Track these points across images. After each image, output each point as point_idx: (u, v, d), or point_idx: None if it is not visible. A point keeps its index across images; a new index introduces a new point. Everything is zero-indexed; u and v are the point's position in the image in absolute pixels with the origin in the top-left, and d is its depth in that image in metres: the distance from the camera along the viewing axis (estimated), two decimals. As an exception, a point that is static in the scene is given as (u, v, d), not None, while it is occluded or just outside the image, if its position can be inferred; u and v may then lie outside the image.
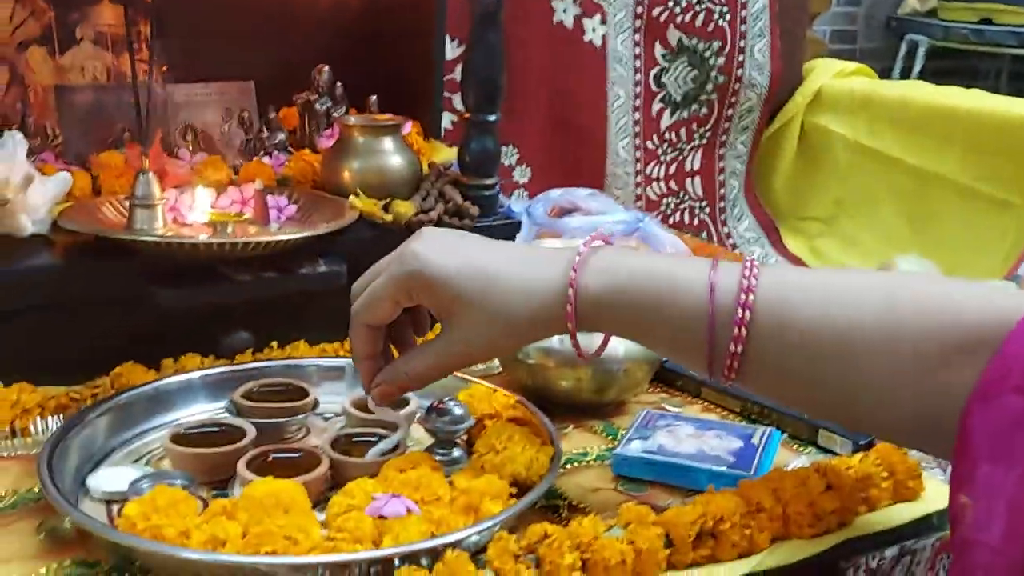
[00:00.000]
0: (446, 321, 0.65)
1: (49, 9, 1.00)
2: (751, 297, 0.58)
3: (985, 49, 2.10)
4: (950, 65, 2.03)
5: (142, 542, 0.57)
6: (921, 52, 2.09)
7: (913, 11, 2.22)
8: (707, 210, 1.57)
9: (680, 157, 1.53)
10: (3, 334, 0.80)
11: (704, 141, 1.55)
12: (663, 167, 1.52)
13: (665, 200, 1.52)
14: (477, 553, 0.59)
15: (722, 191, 1.59)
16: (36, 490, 0.67)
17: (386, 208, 0.96)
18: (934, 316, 0.55)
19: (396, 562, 0.57)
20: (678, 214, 1.52)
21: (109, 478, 0.68)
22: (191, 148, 1.04)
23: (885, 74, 1.92)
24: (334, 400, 0.81)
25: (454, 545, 0.58)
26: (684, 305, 0.60)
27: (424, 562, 0.57)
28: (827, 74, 1.64)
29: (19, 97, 0.98)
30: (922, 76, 2.06)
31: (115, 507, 0.64)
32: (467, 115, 1.02)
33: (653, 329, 0.62)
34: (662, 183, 1.53)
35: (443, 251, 0.64)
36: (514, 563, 0.57)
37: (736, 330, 0.58)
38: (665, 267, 0.61)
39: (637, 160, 1.49)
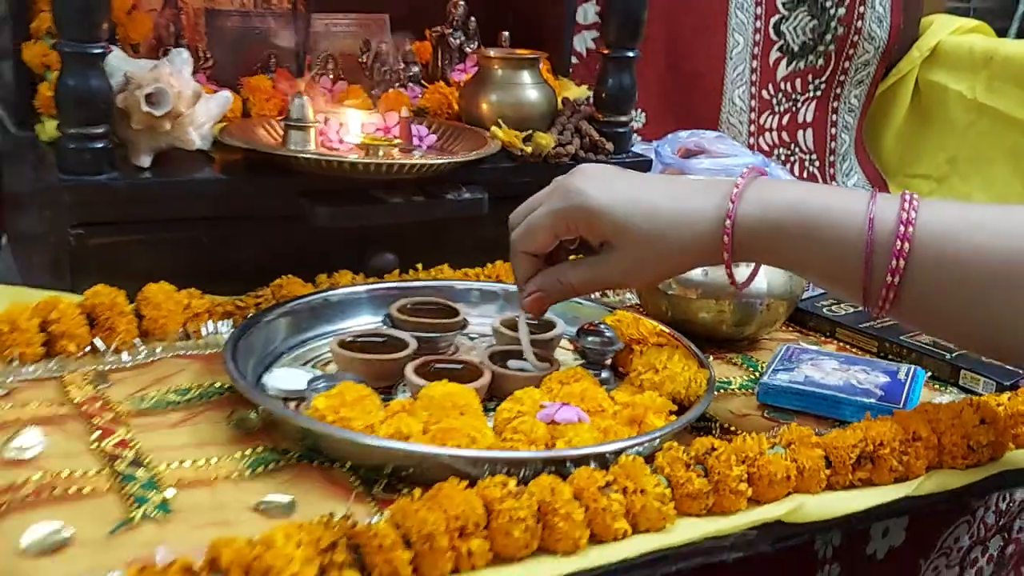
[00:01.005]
0: (604, 249, 0.68)
1: (205, -69, 1.03)
2: (910, 229, 0.58)
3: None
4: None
5: (335, 430, 0.60)
6: (1041, 12, 2.05)
7: (1034, -32, 2.16)
8: (816, 163, 1.56)
9: (794, 108, 1.52)
10: (173, 242, 0.84)
11: (819, 93, 1.54)
12: (776, 117, 1.51)
13: (776, 151, 1.51)
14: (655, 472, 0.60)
15: (832, 144, 1.57)
16: (218, 384, 0.70)
17: (526, 140, 0.97)
18: None
19: (568, 464, 0.59)
20: (788, 166, 1.51)
21: (284, 378, 0.71)
22: (332, 76, 1.06)
23: (1002, 33, 1.87)
24: (479, 321, 0.84)
25: (624, 451, 0.60)
26: (841, 236, 0.61)
27: (593, 466, 0.59)
28: (945, 30, 1.60)
29: (172, 18, 1.01)
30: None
31: (291, 404, 0.68)
32: (605, 51, 1.03)
33: (809, 259, 0.63)
34: (775, 133, 1.52)
35: (603, 186, 0.66)
36: (685, 471, 0.59)
37: (895, 261, 0.59)
38: (822, 198, 0.62)
39: (752, 109, 1.48)
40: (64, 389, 0.68)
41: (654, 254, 0.66)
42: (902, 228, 0.59)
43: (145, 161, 0.83)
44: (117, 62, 0.82)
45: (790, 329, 0.92)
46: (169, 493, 0.56)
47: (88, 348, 0.74)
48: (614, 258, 0.67)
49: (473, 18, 1.14)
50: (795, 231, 0.62)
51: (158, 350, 0.76)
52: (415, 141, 0.98)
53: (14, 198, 1.03)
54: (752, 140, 1.48)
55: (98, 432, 0.62)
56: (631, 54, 1.02)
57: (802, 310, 0.92)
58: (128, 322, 0.75)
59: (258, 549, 0.46)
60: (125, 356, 0.74)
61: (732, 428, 0.72)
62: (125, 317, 0.75)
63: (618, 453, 0.60)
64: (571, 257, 0.73)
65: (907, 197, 0.61)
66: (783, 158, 1.51)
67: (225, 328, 0.79)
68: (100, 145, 0.79)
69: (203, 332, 0.79)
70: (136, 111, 0.80)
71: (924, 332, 0.80)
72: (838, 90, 1.55)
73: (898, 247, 0.59)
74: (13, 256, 1.05)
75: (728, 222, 0.63)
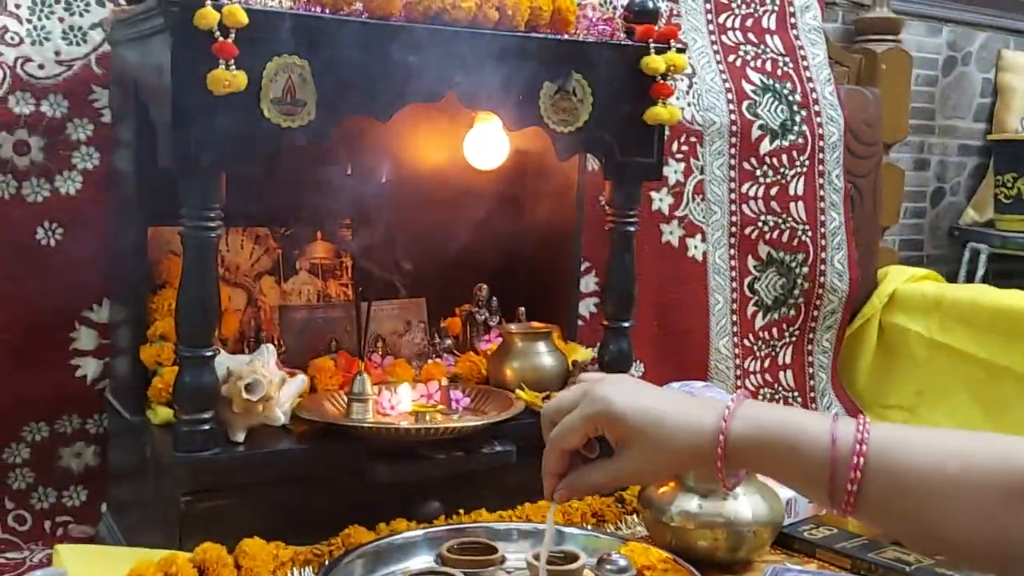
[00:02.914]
0: (620, 448, 0.83)
1: (277, 247, 1.28)
2: (864, 446, 0.74)
3: (1040, 255, 2.33)
4: (1010, 268, 2.24)
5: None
6: (983, 258, 2.32)
7: (973, 221, 2.46)
8: (799, 400, 1.76)
9: (773, 353, 1.74)
10: (261, 503, 1.02)
11: (794, 339, 1.76)
12: (759, 362, 1.73)
13: (761, 391, 1.72)
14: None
15: (811, 382, 1.78)
16: (310, 621, 0.86)
17: (545, 399, 1.18)
18: (999, 466, 0.70)
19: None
20: (774, 403, 1.71)
21: (364, 612, 0.87)
22: (381, 353, 1.28)
23: (952, 278, 2.13)
24: (514, 556, 1.00)
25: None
26: (811, 450, 0.76)
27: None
28: (900, 279, 1.86)
29: (253, 316, 1.25)
30: (985, 279, 2.28)
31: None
32: (605, 322, 1.25)
33: (785, 468, 0.78)
34: (758, 375, 1.73)
35: (624, 394, 0.82)
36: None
37: (852, 472, 0.73)
38: (795, 419, 0.78)
39: (736, 356, 1.70)
40: (186, 629, 0.84)
41: (660, 456, 0.81)
42: (857, 446, 0.74)
43: (240, 437, 1.03)
44: (220, 359, 1.04)
45: (777, 551, 1.08)
46: None
47: (198, 595, 0.90)
48: (628, 458, 0.82)
49: (495, 297, 1.38)
50: (775, 447, 0.77)
51: (255, 595, 0.92)
52: (453, 405, 1.18)
53: (119, 472, 1.22)
54: (739, 383, 1.68)
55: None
56: (626, 324, 1.25)
57: (787, 534, 1.08)
58: (231, 573, 0.92)
59: None
60: (229, 600, 0.90)
61: (730, 639, 0.86)
62: (228, 568, 0.92)
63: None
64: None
65: (861, 420, 0.76)
66: (768, 397, 1.72)
67: (307, 574, 0.96)
68: (207, 428, 0.99)
69: (289, 578, 0.95)
70: (237, 398, 1.01)
71: (882, 531, 0.95)
72: (811, 335, 1.78)
73: (855, 462, 0.73)
74: (114, 521, 1.22)
75: (722, 437, 0.78)
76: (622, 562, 0.93)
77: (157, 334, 1.11)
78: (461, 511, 1.09)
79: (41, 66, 1.24)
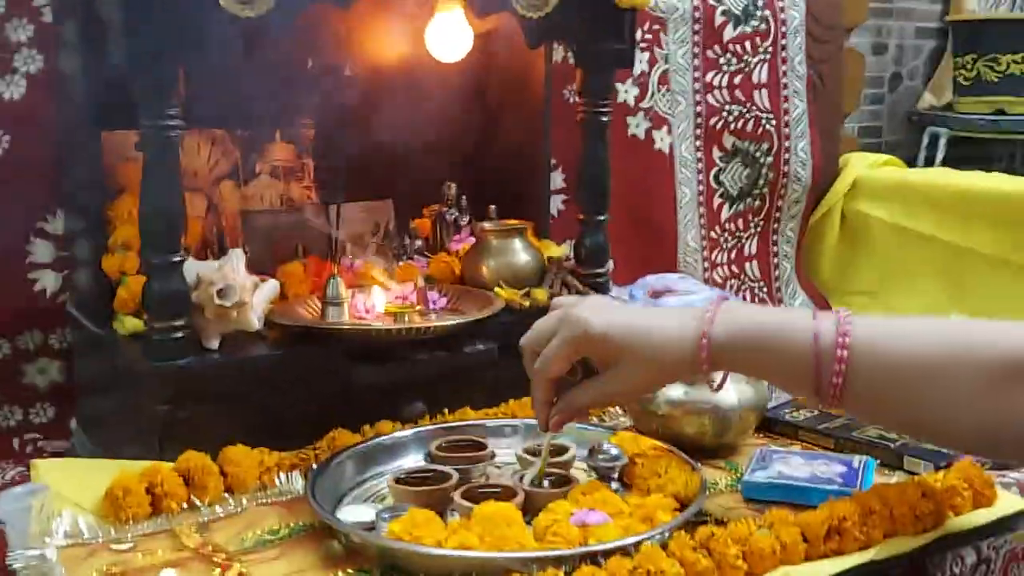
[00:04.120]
0: (605, 368, 0.83)
1: (236, 149, 1.23)
2: (847, 339, 0.74)
3: (999, 136, 2.34)
4: (968, 152, 2.26)
5: (410, 546, 0.75)
6: (942, 143, 2.33)
7: (931, 106, 2.46)
8: (765, 290, 1.77)
9: (739, 244, 1.74)
10: (241, 410, 0.99)
11: (759, 229, 1.76)
12: (725, 253, 1.73)
13: (729, 282, 1.72)
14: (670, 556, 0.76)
15: (776, 272, 1.79)
16: (301, 523, 0.85)
17: (524, 296, 1.16)
18: (983, 351, 0.71)
19: (600, 557, 0.75)
20: (740, 294, 1.72)
21: (355, 512, 0.86)
22: (350, 256, 1.25)
23: (911, 163, 2.14)
24: (503, 452, 1.00)
25: (643, 542, 0.76)
26: (794, 348, 0.76)
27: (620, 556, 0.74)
28: (861, 166, 1.85)
29: (214, 222, 1.20)
30: (944, 164, 2.29)
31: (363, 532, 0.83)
32: (581, 216, 1.23)
33: (770, 367, 0.79)
34: (725, 267, 1.73)
35: (601, 314, 0.82)
36: (693, 553, 0.75)
37: (837, 366, 0.74)
38: (776, 317, 0.79)
39: (704, 248, 1.69)
40: (177, 539, 0.83)
41: (648, 370, 0.81)
42: (840, 339, 0.74)
43: (214, 344, 1.00)
44: (189, 266, 1.00)
45: (761, 436, 1.09)
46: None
47: (186, 505, 0.88)
48: (615, 376, 0.82)
49: (464, 196, 1.34)
50: (757, 347, 0.78)
51: (244, 501, 0.90)
52: (430, 305, 1.16)
53: (88, 386, 1.19)
54: (707, 275, 1.69)
55: (218, 569, 0.77)
56: (602, 217, 1.23)
57: (769, 418, 1.09)
58: (216, 480, 0.90)
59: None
60: (218, 508, 0.89)
61: (724, 519, 0.87)
62: (214, 476, 0.90)
63: (639, 544, 0.76)
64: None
65: (842, 313, 0.77)
66: (734, 288, 1.72)
67: (295, 477, 0.94)
68: (181, 336, 0.96)
69: (277, 483, 0.94)
70: (209, 304, 0.97)
71: (869, 422, 0.97)
72: (775, 225, 1.78)
73: (839, 355, 0.74)
74: (87, 436, 1.19)
75: (704, 341, 0.78)
76: (614, 451, 0.93)
77: (118, 243, 1.07)
78: (446, 411, 1.09)
79: (-30, -38, 1.16)
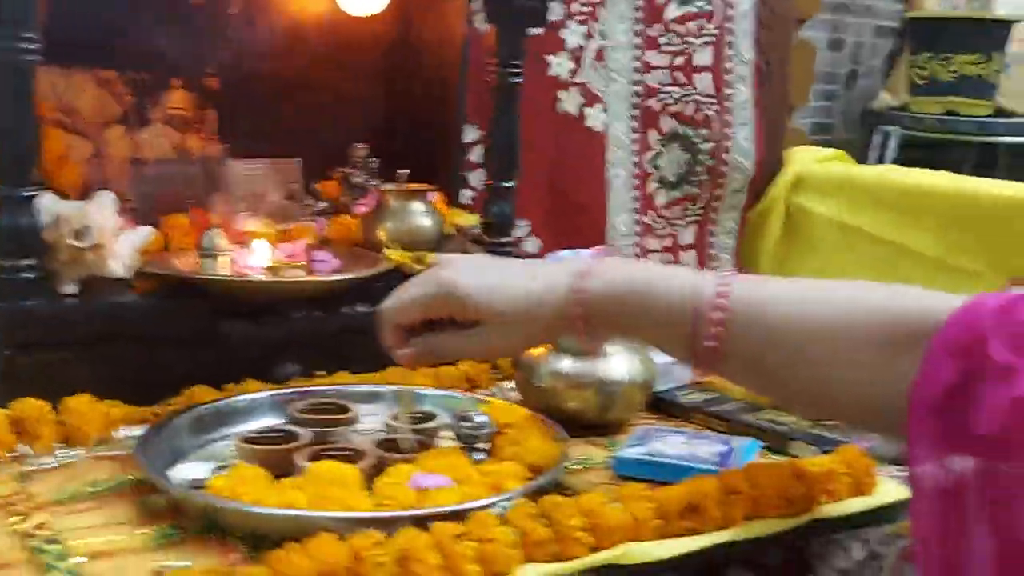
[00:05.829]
0: (476, 327, 0.78)
1: (128, 94, 1.17)
2: (725, 300, 0.69)
3: (951, 138, 2.29)
4: (920, 155, 2.20)
5: (225, 502, 0.70)
6: (893, 143, 2.28)
7: (887, 106, 2.42)
8: (701, 281, 1.72)
9: (675, 232, 1.69)
10: (97, 361, 0.93)
11: (696, 218, 1.71)
12: (659, 240, 1.68)
13: (662, 271, 1.67)
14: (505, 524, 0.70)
15: (713, 264, 1.74)
16: (129, 476, 0.79)
17: (417, 260, 1.10)
18: (872, 315, 0.66)
19: (432, 521, 0.69)
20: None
21: (190, 469, 0.81)
22: (247, 214, 1.19)
23: (861, 163, 2.09)
24: (372, 418, 0.94)
25: (480, 509, 0.71)
26: (671, 305, 0.70)
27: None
28: (807, 160, 1.81)
29: (98, 168, 1.14)
30: (895, 164, 2.24)
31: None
32: (488, 182, 1.18)
33: (646, 326, 0.73)
34: (659, 255, 1.68)
35: (471, 275, 0.77)
36: (532, 521, 0.69)
37: (713, 328, 0.69)
38: (655, 273, 0.73)
39: (636, 234, 1.64)
40: (-11, 487, 0.77)
41: (519, 331, 0.77)
42: (719, 300, 0.69)
43: (69, 289, 0.94)
44: (49, 204, 0.94)
45: (653, 416, 1.04)
46: (78, 560, 0.65)
47: (15, 453, 0.83)
48: (483, 335, 0.77)
49: (373, 159, 1.29)
50: (634, 304, 0.72)
51: (80, 453, 0.85)
52: (320, 266, 1.10)
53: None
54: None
55: (18, 517, 0.71)
56: (509, 184, 1.17)
57: (661, 398, 1.04)
58: (51, 429, 0.84)
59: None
60: (50, 460, 0.83)
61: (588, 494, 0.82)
62: (48, 425, 0.84)
63: (475, 511, 0.70)
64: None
65: (724, 273, 0.71)
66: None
67: (140, 432, 0.88)
68: (29, 275, 0.90)
69: (119, 437, 0.88)
70: (62, 244, 0.91)
71: (749, 390, 0.91)
72: (713, 215, 1.73)
73: (716, 316, 0.68)
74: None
75: (577, 296, 0.73)
76: (479, 419, 0.88)
77: (-22, 177, 1.00)
78: (323, 374, 1.03)
79: None
